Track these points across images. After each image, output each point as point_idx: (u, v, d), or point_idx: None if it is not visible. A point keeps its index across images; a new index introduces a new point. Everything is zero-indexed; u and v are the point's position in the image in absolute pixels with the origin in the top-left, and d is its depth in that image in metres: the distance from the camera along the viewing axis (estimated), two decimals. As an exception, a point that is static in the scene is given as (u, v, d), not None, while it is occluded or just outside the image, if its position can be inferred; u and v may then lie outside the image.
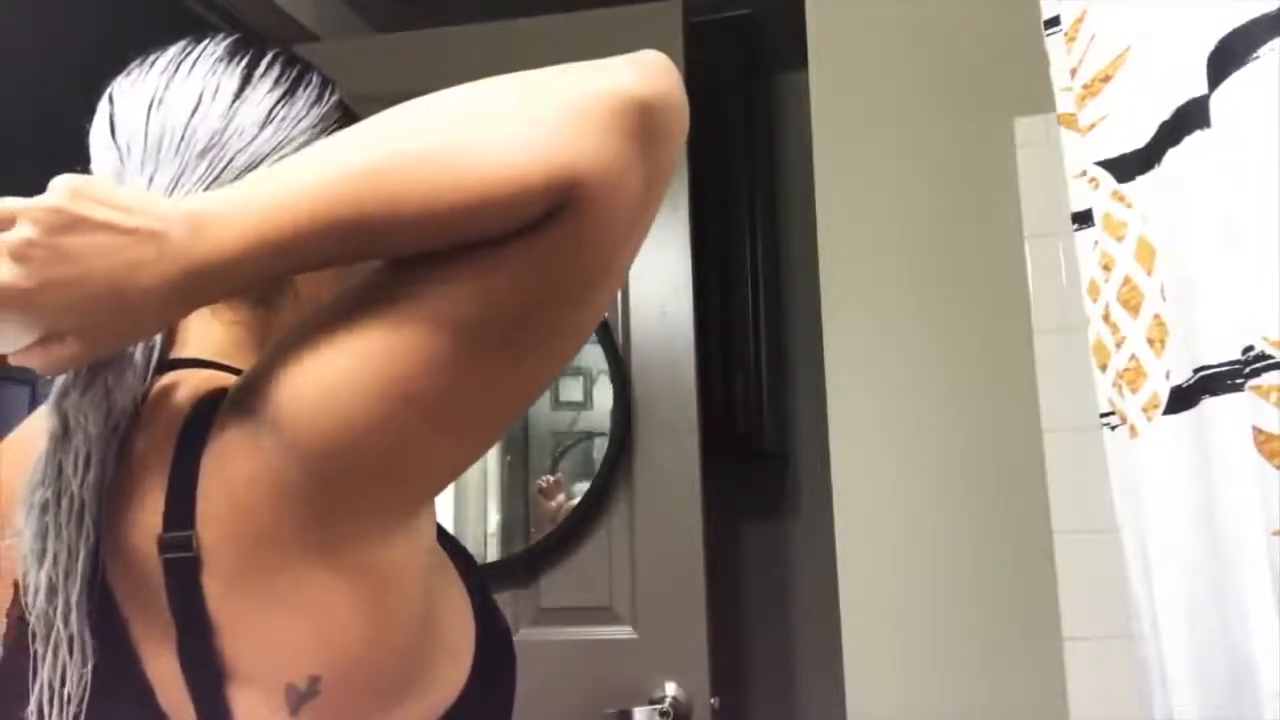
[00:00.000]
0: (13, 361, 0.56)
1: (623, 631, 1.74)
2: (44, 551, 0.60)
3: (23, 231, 0.53)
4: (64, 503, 0.60)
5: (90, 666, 0.59)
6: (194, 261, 0.55)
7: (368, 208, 0.54)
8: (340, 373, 0.57)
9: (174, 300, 0.56)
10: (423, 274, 0.57)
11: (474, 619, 0.71)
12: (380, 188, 0.54)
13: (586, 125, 0.54)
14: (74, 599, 0.59)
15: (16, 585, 0.65)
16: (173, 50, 0.74)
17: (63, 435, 0.61)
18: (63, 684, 0.59)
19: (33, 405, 0.75)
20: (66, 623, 0.59)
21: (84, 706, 0.59)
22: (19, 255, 0.52)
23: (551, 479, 1.91)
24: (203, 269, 0.55)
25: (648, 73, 0.57)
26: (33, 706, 0.59)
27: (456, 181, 0.53)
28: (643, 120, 0.55)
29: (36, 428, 0.67)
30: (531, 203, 0.54)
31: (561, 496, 1.88)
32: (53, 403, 0.62)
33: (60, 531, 0.60)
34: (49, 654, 0.59)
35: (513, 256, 0.55)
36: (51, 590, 0.59)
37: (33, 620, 0.60)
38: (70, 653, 0.59)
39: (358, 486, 0.59)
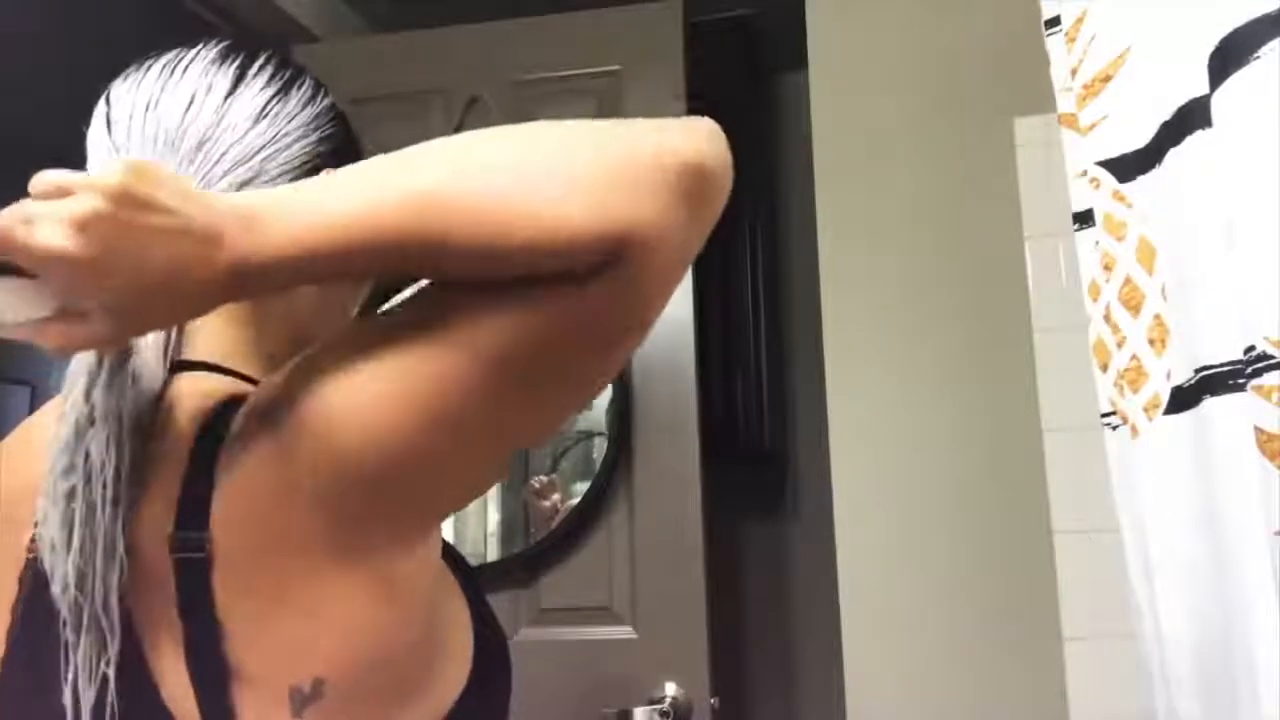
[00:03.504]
0: (16, 335, 0.53)
1: (623, 631, 1.74)
2: (70, 539, 0.60)
3: (90, 202, 0.51)
4: (95, 490, 0.61)
5: (118, 649, 0.60)
6: (240, 256, 0.54)
7: (420, 234, 0.55)
8: (375, 392, 0.58)
9: (215, 291, 0.56)
10: (466, 302, 0.58)
11: (472, 630, 0.72)
12: (443, 215, 0.55)
13: (643, 185, 0.56)
14: (112, 584, 0.60)
15: (20, 581, 0.65)
16: (168, 55, 0.75)
17: (89, 425, 0.62)
18: (96, 668, 0.59)
19: (33, 406, 0.75)
20: (106, 609, 0.60)
21: (113, 693, 0.59)
22: (84, 225, 0.50)
23: (545, 479, 1.90)
24: (248, 264, 0.55)
25: (704, 139, 0.60)
26: (68, 695, 0.59)
27: (509, 226, 0.54)
28: (697, 184, 0.58)
29: (40, 436, 0.67)
30: (584, 253, 0.55)
31: (556, 496, 1.88)
32: (79, 394, 0.62)
33: (93, 517, 0.60)
34: (82, 642, 0.60)
35: (560, 299, 0.57)
36: (82, 576, 0.60)
37: (64, 609, 0.60)
38: (111, 636, 0.60)
39: (381, 502, 0.60)
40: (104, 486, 0.61)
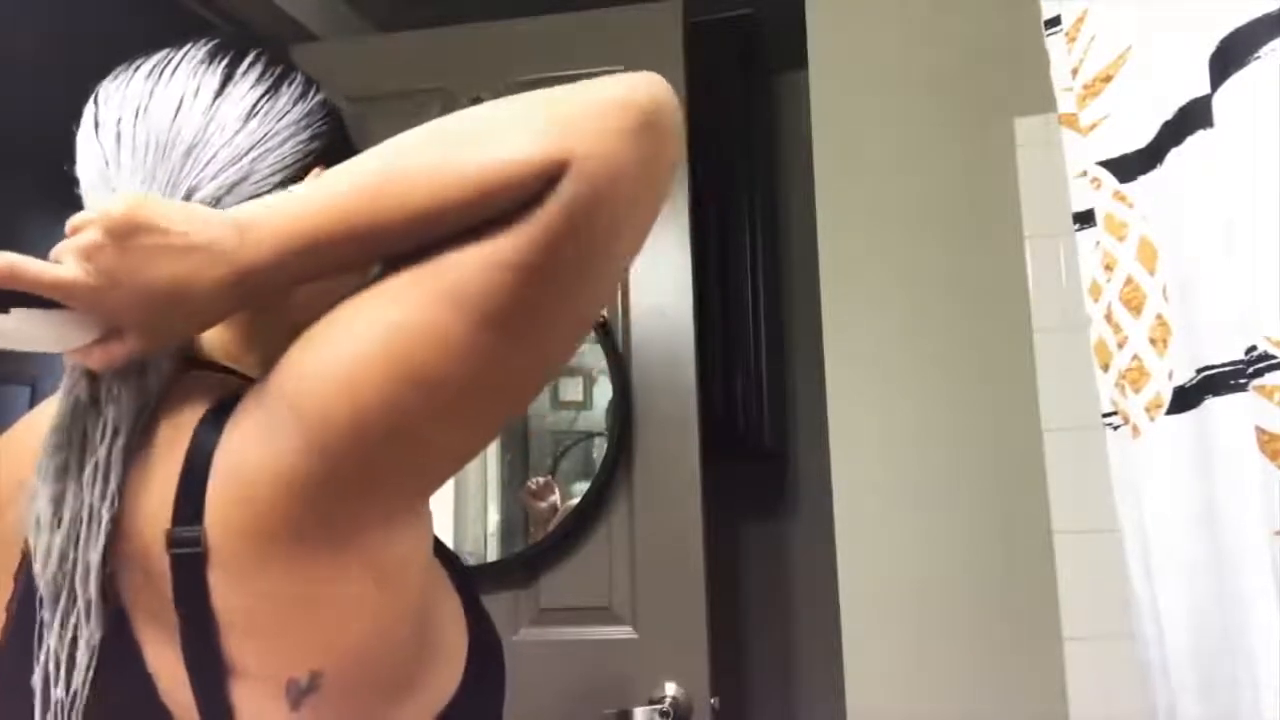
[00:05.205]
0: (71, 358, 0.62)
1: (623, 631, 1.73)
2: (57, 515, 0.61)
3: (90, 235, 0.58)
4: (87, 468, 0.62)
5: (100, 635, 0.60)
6: (239, 264, 0.60)
7: (378, 211, 0.59)
8: (351, 357, 0.59)
9: (223, 299, 0.61)
10: (428, 256, 0.60)
11: (466, 628, 0.73)
12: (389, 190, 0.59)
13: (578, 115, 0.59)
14: (93, 562, 0.60)
15: (15, 578, 0.65)
16: (156, 56, 0.74)
17: (91, 404, 0.64)
18: (73, 651, 0.59)
19: (33, 406, 0.76)
20: (85, 587, 0.60)
21: (90, 674, 0.59)
22: (87, 254, 0.58)
23: (542, 480, 1.90)
24: (247, 271, 0.60)
25: (639, 79, 0.62)
26: (38, 675, 0.59)
27: (450, 177, 0.58)
28: (636, 119, 0.60)
29: (41, 430, 0.67)
30: (526, 180, 0.57)
31: (554, 497, 1.88)
32: (83, 374, 0.64)
33: (81, 493, 0.61)
34: (57, 621, 0.60)
35: (512, 231, 0.58)
36: (63, 554, 0.60)
37: (42, 586, 0.60)
38: (86, 618, 0.60)
39: (367, 472, 0.60)
40: (96, 467, 0.62)
